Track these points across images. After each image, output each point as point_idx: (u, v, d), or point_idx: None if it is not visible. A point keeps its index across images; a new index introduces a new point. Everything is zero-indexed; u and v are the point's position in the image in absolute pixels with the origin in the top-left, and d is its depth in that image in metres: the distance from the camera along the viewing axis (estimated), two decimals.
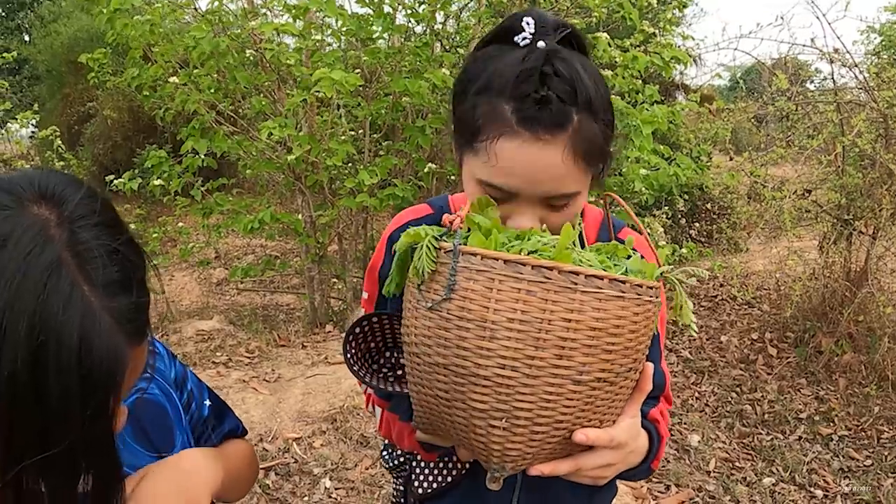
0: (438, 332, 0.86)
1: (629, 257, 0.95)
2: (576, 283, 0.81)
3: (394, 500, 1.34)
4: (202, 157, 4.40)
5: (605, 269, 0.86)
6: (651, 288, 0.87)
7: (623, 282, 0.83)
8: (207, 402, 1.15)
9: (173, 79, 3.96)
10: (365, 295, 1.27)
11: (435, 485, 1.19)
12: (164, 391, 1.04)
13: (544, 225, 0.98)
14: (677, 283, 0.94)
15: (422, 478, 1.21)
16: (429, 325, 0.87)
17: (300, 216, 5.02)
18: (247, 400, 3.83)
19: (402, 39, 4.60)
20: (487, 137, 0.95)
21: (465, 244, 0.86)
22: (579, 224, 1.06)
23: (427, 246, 0.87)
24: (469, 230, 0.90)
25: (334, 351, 4.66)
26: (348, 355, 1.07)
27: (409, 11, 4.58)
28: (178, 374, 1.09)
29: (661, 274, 0.92)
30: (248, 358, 4.46)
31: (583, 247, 0.99)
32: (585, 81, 0.95)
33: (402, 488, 1.31)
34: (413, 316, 0.91)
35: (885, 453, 3.70)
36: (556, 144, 0.93)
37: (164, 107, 4.50)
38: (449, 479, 1.18)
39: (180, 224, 4.98)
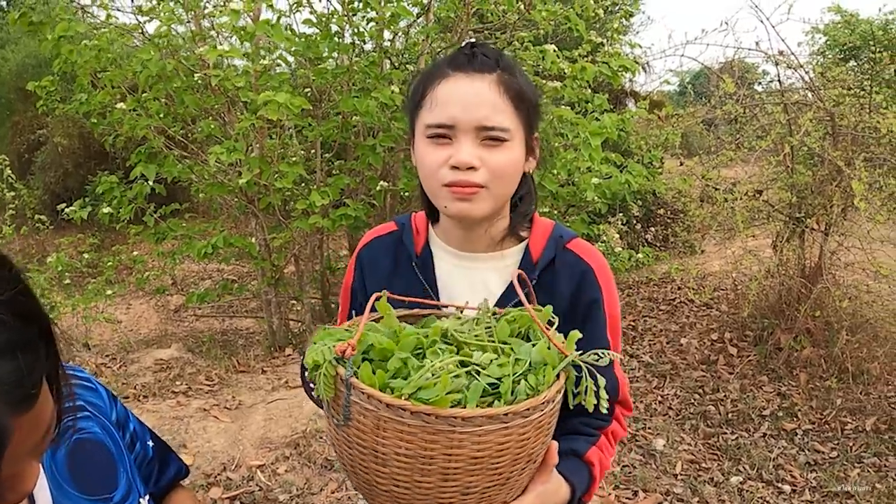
0: (344, 447, 0.95)
1: (551, 322, 1.02)
2: (454, 426, 0.85)
3: None
4: (150, 183, 4.32)
5: (496, 381, 0.92)
6: (542, 404, 0.90)
7: (505, 414, 0.86)
8: (150, 443, 1.12)
9: (120, 105, 3.88)
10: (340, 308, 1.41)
11: None
12: (106, 429, 1.00)
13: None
14: (584, 368, 0.96)
15: None
16: (338, 436, 0.96)
17: (254, 239, 4.96)
18: (208, 429, 3.75)
19: (351, 58, 4.57)
20: (429, 90, 1.13)
21: (355, 376, 0.90)
22: (491, 314, 1.09)
23: (324, 373, 0.92)
24: (356, 363, 0.93)
25: (294, 375, 4.60)
26: (310, 384, 1.09)
27: (355, 30, 4.56)
28: (120, 415, 1.06)
29: (568, 363, 0.95)
30: (208, 386, 4.37)
31: (522, 282, 1.04)
32: (507, 59, 1.15)
33: None
34: (329, 422, 0.99)
35: (850, 444, 3.75)
36: (483, 79, 1.10)
37: (114, 133, 4.41)
38: None
39: (135, 252, 4.87)
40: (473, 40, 1.16)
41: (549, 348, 0.95)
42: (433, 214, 1.28)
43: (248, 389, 4.33)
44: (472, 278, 1.24)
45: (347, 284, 1.35)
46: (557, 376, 0.94)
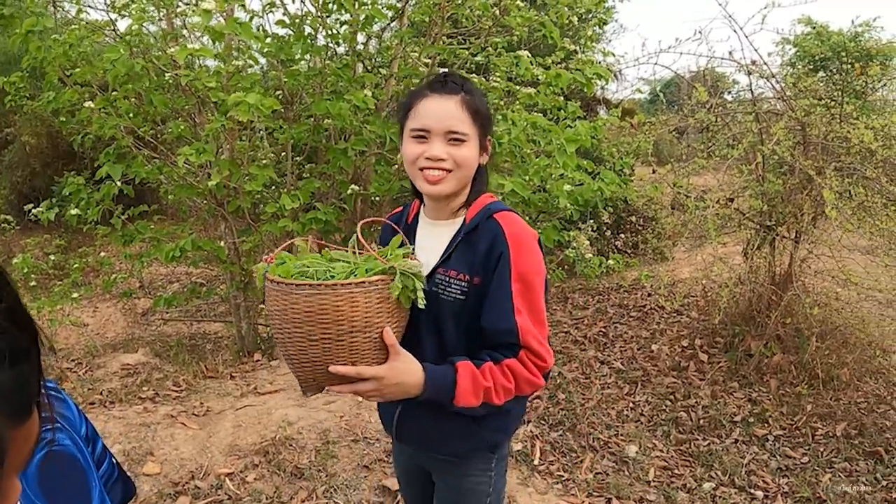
0: (271, 319, 1.51)
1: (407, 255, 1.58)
2: (290, 290, 1.42)
3: None
4: (118, 183, 4.22)
5: (337, 273, 1.46)
6: (333, 286, 1.40)
7: (319, 285, 1.40)
8: (114, 462, 1.07)
9: (89, 103, 3.78)
10: None
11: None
12: (76, 444, 0.95)
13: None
14: (397, 272, 1.47)
15: None
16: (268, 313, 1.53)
17: (223, 243, 4.87)
18: (176, 436, 3.66)
19: (324, 61, 4.52)
20: (414, 104, 1.62)
21: (269, 270, 1.51)
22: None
23: (259, 272, 1.55)
24: (274, 262, 1.54)
25: (263, 381, 4.52)
26: None
27: (329, 32, 4.51)
28: (90, 431, 1.01)
29: (388, 269, 1.47)
30: (176, 391, 4.27)
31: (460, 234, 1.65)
32: (470, 85, 1.63)
33: None
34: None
35: (821, 450, 3.78)
36: (451, 99, 1.59)
37: (83, 132, 4.30)
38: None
39: (102, 254, 4.75)
40: (446, 70, 1.83)
41: (371, 261, 1.50)
42: (421, 196, 1.75)
43: (217, 396, 4.25)
44: (434, 235, 1.71)
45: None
46: (368, 273, 1.46)
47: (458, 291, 1.58)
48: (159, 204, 5.91)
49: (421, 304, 1.49)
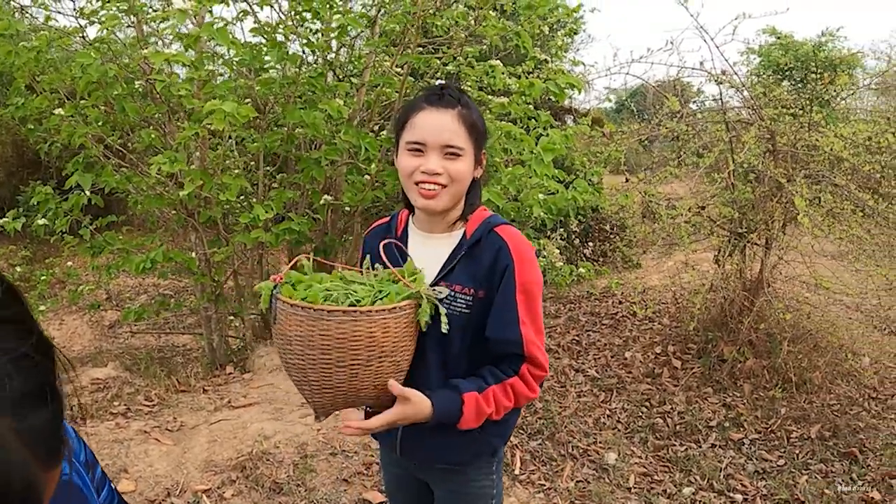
0: (279, 343, 1.47)
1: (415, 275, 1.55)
2: (321, 316, 1.37)
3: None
4: (87, 193, 4.11)
5: (359, 299, 1.44)
6: (367, 312, 1.39)
7: (354, 311, 1.38)
8: (114, 487, 1.02)
9: (59, 110, 3.67)
10: None
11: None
12: (78, 472, 0.90)
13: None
14: (423, 297, 1.50)
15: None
16: (276, 336, 1.48)
17: (194, 254, 4.78)
18: (150, 452, 3.57)
19: (300, 69, 4.47)
20: (410, 117, 1.60)
21: (280, 291, 1.45)
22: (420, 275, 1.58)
23: (265, 293, 1.48)
24: (283, 283, 1.48)
25: (237, 394, 4.44)
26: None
27: (304, 41, 4.47)
28: (90, 457, 0.95)
29: (415, 293, 1.48)
30: (148, 406, 4.17)
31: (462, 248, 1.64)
32: (466, 98, 1.62)
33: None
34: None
35: (797, 452, 3.83)
36: (448, 113, 1.57)
37: (50, 140, 4.19)
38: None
39: (69, 264, 4.62)
40: (443, 82, 1.80)
41: (402, 286, 1.50)
42: (412, 208, 1.74)
43: (190, 410, 4.16)
44: (430, 248, 1.70)
45: (360, 262, 1.80)
46: (402, 299, 1.47)
47: (464, 305, 1.59)
48: (127, 215, 5.78)
49: (444, 328, 1.52)
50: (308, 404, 1.52)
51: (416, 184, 1.58)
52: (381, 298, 1.46)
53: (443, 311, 1.52)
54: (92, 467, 0.95)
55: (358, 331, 1.38)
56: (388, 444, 1.81)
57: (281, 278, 1.48)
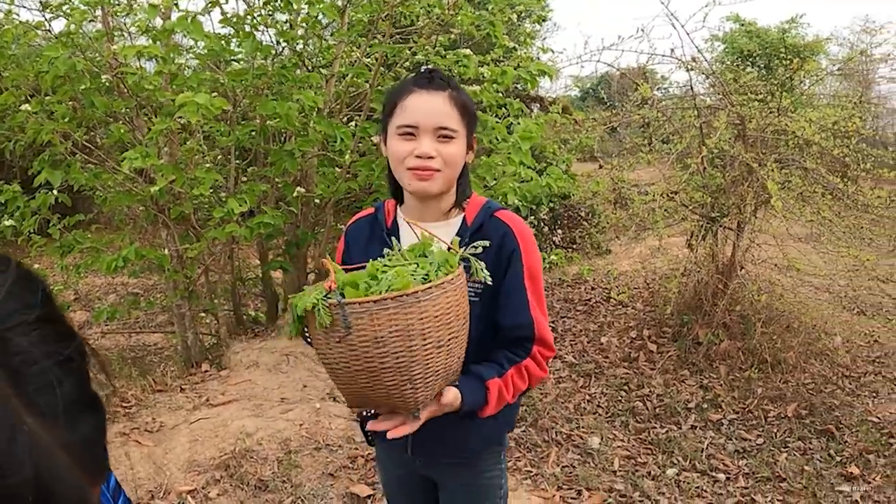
0: (351, 354, 1.30)
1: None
2: (418, 298, 1.28)
3: (360, 423, 1.77)
4: (55, 192, 4.00)
5: (426, 275, 1.36)
6: (452, 280, 1.35)
7: (441, 284, 1.32)
8: (127, 496, 0.98)
9: (25, 106, 3.55)
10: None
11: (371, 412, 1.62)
12: (102, 493, 0.86)
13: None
14: (471, 257, 1.45)
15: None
16: (342, 350, 1.31)
17: (166, 251, 4.69)
18: (131, 454, 3.50)
19: (270, 60, 4.40)
20: (399, 100, 1.55)
21: (344, 297, 1.30)
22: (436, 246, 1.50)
23: (321, 307, 1.30)
24: (340, 288, 1.34)
25: (215, 392, 4.38)
26: (307, 337, 1.47)
27: (278, 30, 4.40)
28: (112, 479, 0.92)
29: (461, 257, 1.43)
30: (125, 408, 4.08)
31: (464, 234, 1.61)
32: (455, 82, 1.58)
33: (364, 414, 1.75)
34: (327, 347, 1.34)
35: (774, 430, 3.92)
36: (439, 95, 1.53)
37: (14, 138, 4.05)
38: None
39: (36, 265, 4.49)
40: (431, 66, 1.65)
41: (443, 253, 1.43)
42: (399, 197, 1.70)
43: (168, 410, 4.09)
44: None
45: (339, 257, 1.77)
46: (459, 263, 1.42)
47: (473, 293, 1.56)
48: (93, 212, 5.64)
49: (489, 280, 1.47)
50: (402, 406, 1.39)
51: (409, 169, 1.53)
52: (439, 268, 1.40)
53: (482, 265, 1.46)
54: (116, 493, 0.92)
55: (450, 302, 1.34)
56: (393, 444, 1.69)
57: (334, 284, 1.33)
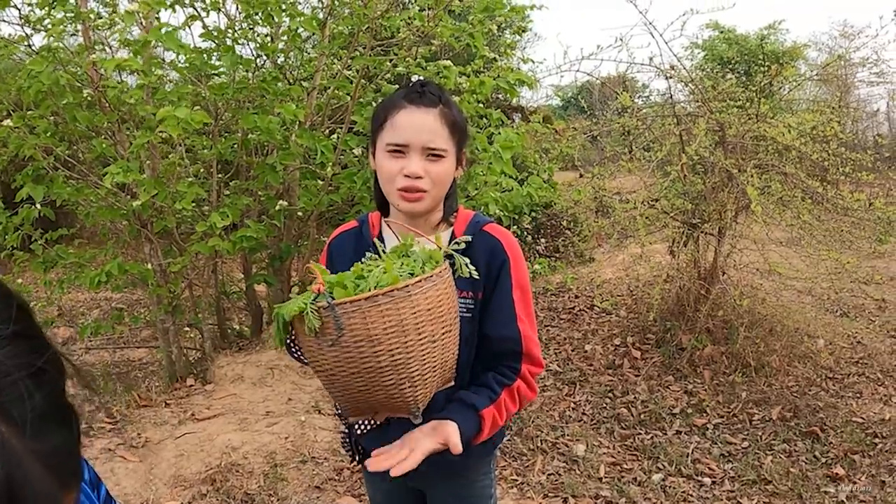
0: (345, 357, 1.29)
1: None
2: (409, 292, 1.28)
3: (342, 440, 1.80)
4: (38, 206, 3.98)
5: (411, 272, 1.35)
6: (440, 273, 1.36)
7: (429, 276, 1.32)
8: None
9: (7, 121, 3.54)
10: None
11: (367, 427, 1.62)
12: (86, 493, 0.87)
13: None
14: (455, 253, 1.45)
15: (360, 423, 1.63)
16: (335, 354, 1.29)
17: (150, 265, 4.67)
18: (116, 470, 3.48)
19: (253, 73, 4.41)
20: (389, 116, 1.53)
21: (333, 299, 1.28)
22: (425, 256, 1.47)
23: (310, 311, 1.27)
24: (329, 289, 1.32)
25: (200, 406, 4.36)
26: (292, 348, 1.49)
27: (257, 45, 4.41)
28: (93, 476, 0.92)
29: (445, 253, 1.43)
30: (111, 424, 4.06)
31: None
32: (447, 95, 1.56)
33: (346, 431, 1.76)
34: (320, 354, 1.32)
35: (759, 434, 3.94)
36: (430, 112, 1.51)
37: None
38: (375, 423, 1.60)
39: (19, 281, 4.45)
40: (423, 79, 1.69)
41: (426, 251, 1.43)
42: (385, 210, 1.68)
43: (154, 425, 4.06)
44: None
45: (322, 262, 1.73)
46: (444, 259, 1.42)
47: (465, 310, 1.55)
48: (75, 227, 5.60)
49: (475, 275, 1.46)
50: (402, 407, 1.38)
51: (398, 189, 1.52)
52: (424, 264, 1.39)
53: (467, 260, 1.45)
54: (96, 486, 0.92)
55: (440, 295, 1.34)
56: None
57: (322, 286, 1.31)
